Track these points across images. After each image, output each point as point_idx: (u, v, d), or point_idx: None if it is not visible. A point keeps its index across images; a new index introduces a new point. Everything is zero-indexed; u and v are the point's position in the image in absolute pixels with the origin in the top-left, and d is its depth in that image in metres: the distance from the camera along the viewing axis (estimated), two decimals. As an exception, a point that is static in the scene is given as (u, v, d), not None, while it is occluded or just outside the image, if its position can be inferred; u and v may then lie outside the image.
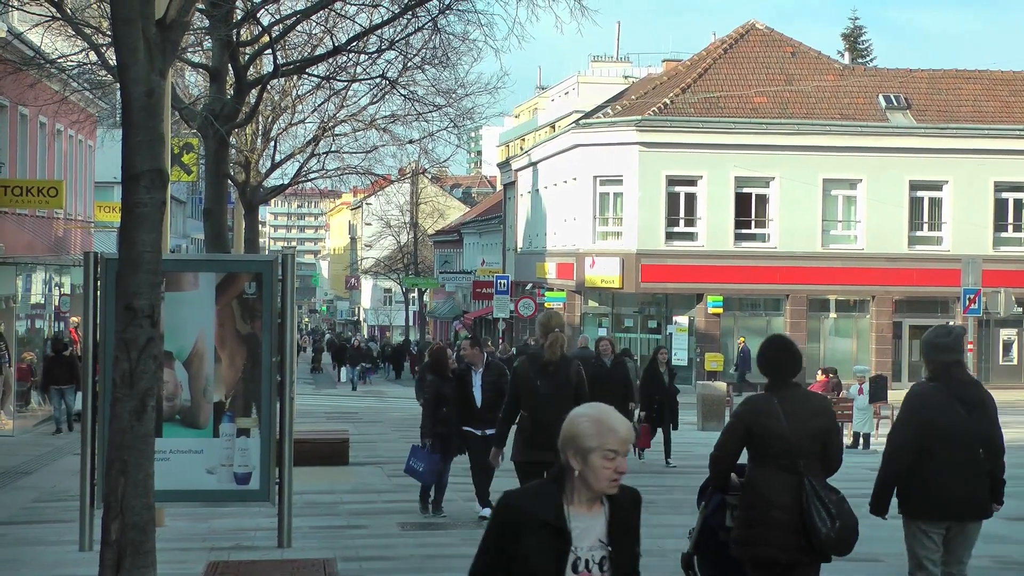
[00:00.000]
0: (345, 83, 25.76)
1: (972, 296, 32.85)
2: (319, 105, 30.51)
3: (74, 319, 30.10)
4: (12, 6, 21.25)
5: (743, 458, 6.74)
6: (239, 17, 18.68)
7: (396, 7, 19.38)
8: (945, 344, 7.28)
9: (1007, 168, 39.65)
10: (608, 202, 40.31)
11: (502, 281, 42.95)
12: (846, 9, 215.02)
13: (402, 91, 24.61)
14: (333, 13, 21.80)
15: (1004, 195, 40.09)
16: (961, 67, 44.16)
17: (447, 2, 19.49)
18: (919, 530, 7.18)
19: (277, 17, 20.24)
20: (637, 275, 38.83)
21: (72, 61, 21.81)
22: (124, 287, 7.33)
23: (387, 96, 26.96)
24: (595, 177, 40.12)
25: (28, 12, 20.65)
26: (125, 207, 7.39)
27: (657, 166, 38.89)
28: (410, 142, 31.00)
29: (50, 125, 30.13)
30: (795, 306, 39.38)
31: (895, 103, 40.65)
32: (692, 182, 39.18)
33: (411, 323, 72.53)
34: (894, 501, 7.39)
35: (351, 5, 20.86)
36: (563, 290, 42.03)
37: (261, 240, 39.25)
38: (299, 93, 30.18)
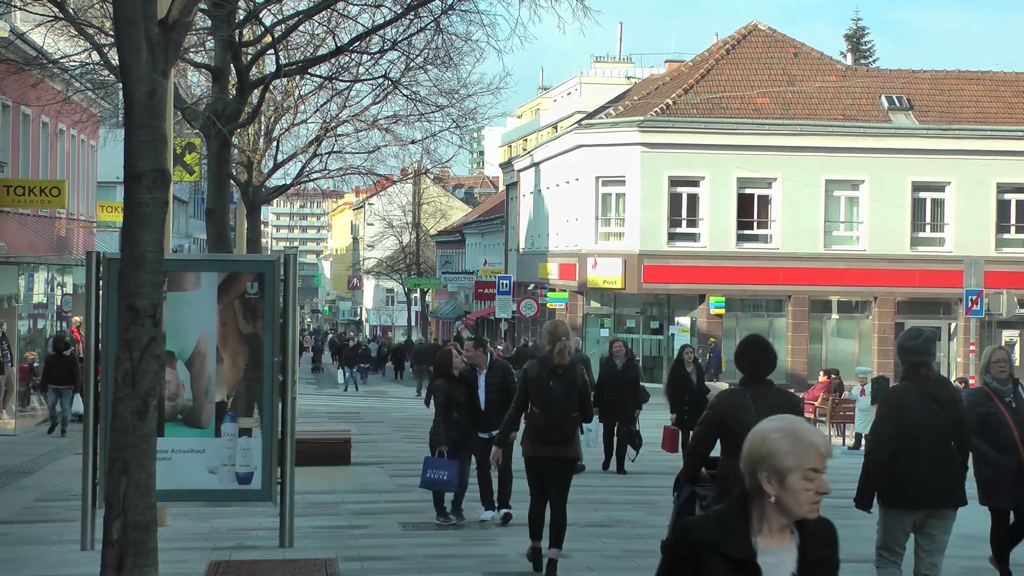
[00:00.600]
0: (347, 83, 25.76)
1: (974, 297, 32.84)
2: (321, 105, 30.51)
3: (76, 319, 30.10)
4: (15, 6, 21.26)
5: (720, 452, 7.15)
6: (241, 17, 18.69)
7: (398, 7, 19.37)
8: (913, 347, 7.74)
9: (1009, 169, 39.62)
10: (610, 203, 40.30)
11: (504, 281, 42.94)
12: (849, 10, 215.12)
13: (404, 91, 24.61)
14: (335, 13, 21.78)
15: (1006, 196, 40.05)
16: (964, 68, 44.13)
17: (449, 2, 19.47)
18: (895, 518, 7.63)
19: (279, 17, 20.22)
20: (639, 276, 38.82)
21: (74, 61, 21.82)
22: (126, 287, 7.33)
23: (389, 96, 26.97)
24: (597, 177, 40.12)
25: (31, 12, 20.66)
26: (127, 207, 7.40)
27: (659, 167, 38.88)
28: (412, 142, 31.02)
29: (52, 125, 30.16)
30: (797, 307, 39.37)
31: (897, 104, 40.63)
32: (694, 183, 39.17)
33: (413, 323, 72.55)
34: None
35: (353, 5, 20.88)
36: (565, 291, 42.03)
37: (263, 240, 39.29)
38: (301, 93, 30.18)
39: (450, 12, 19.79)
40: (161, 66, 7.40)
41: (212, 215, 19.62)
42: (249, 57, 20.06)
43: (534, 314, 41.89)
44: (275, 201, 69.61)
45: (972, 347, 37.15)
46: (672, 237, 39.11)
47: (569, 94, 67.58)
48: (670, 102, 39.76)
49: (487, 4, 44.65)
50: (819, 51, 43.76)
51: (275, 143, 31.53)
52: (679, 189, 39.19)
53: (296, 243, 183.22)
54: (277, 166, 31.63)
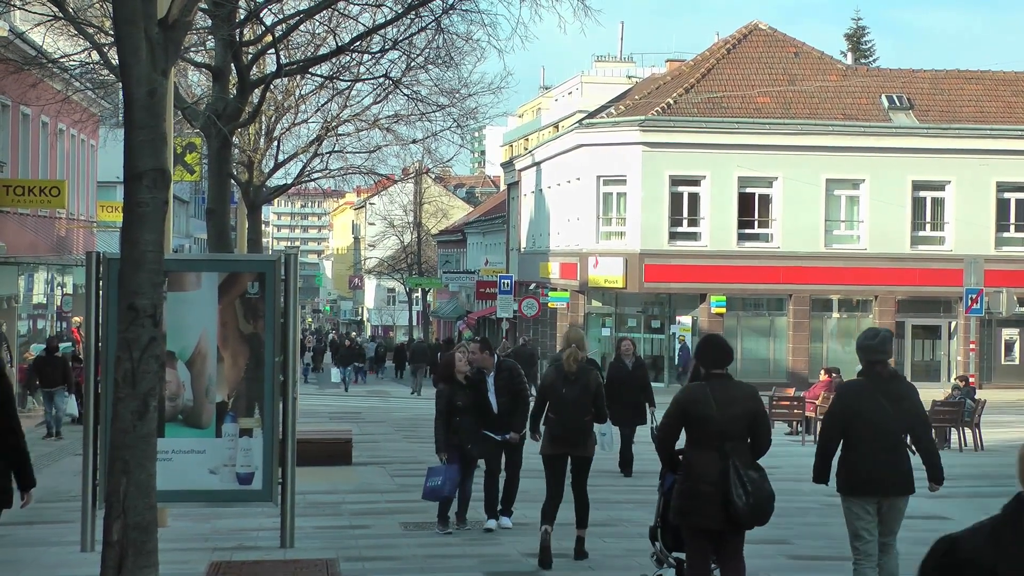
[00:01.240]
0: (348, 83, 25.74)
1: (974, 296, 32.83)
2: (322, 105, 30.49)
3: (76, 319, 30.11)
4: (14, 5, 21.26)
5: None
6: (242, 17, 18.68)
7: (399, 7, 19.36)
8: (871, 346, 8.16)
9: (1009, 168, 39.61)
10: (611, 202, 40.30)
11: (505, 281, 42.92)
12: (849, 9, 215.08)
13: (405, 91, 24.59)
14: (336, 13, 21.77)
15: (1006, 195, 40.05)
16: (964, 67, 44.13)
17: (450, 2, 19.46)
18: (854, 505, 8.12)
19: (280, 17, 20.21)
20: (640, 275, 38.81)
21: (74, 60, 21.81)
22: (126, 287, 7.32)
23: (390, 96, 26.95)
24: (598, 177, 40.11)
25: (30, 11, 20.65)
26: (127, 207, 7.39)
27: (660, 166, 38.88)
28: (413, 142, 31.00)
29: (52, 125, 30.15)
30: (798, 306, 39.37)
31: (898, 103, 40.62)
32: (695, 182, 39.16)
33: (415, 323, 72.54)
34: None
35: (354, 5, 20.86)
36: (566, 290, 42.01)
37: (264, 240, 39.28)
38: (302, 93, 30.16)
39: (451, 12, 19.79)
40: (161, 65, 7.39)
41: (213, 215, 19.62)
42: (250, 56, 20.05)
43: (535, 313, 41.86)
44: (276, 201, 69.69)
45: (972, 345, 37.14)
46: (673, 236, 39.11)
47: (570, 93, 67.57)
48: (671, 101, 39.75)
49: (488, 3, 44.75)
50: (819, 51, 43.75)
51: (276, 143, 31.52)
52: (680, 188, 39.18)
53: (297, 243, 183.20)
54: (278, 166, 31.62)
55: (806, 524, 12.76)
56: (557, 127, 61.51)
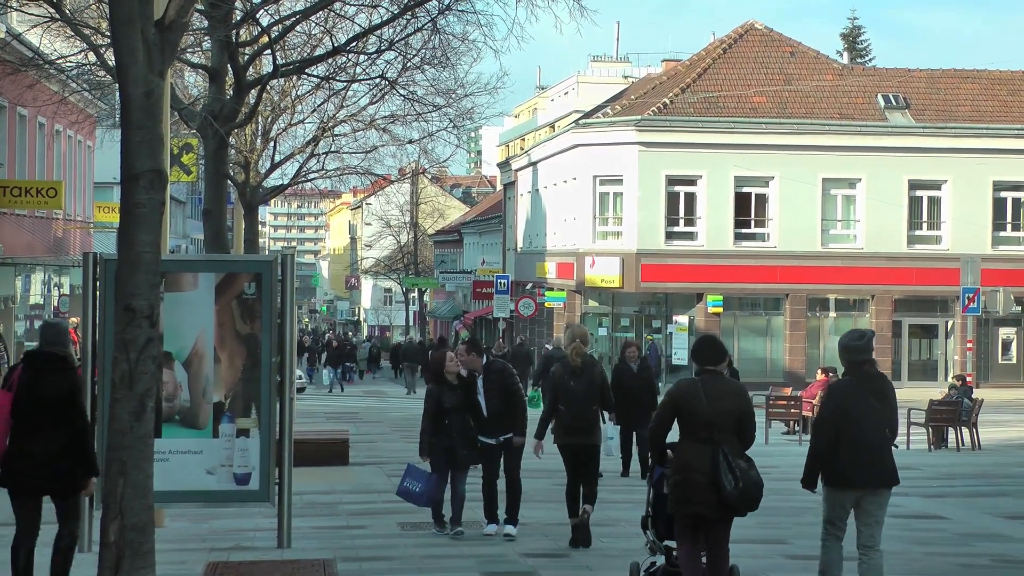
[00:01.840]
0: (344, 83, 25.73)
1: (971, 295, 32.89)
2: (319, 105, 30.50)
3: (73, 320, 30.06)
4: (11, 7, 21.26)
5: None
6: (238, 18, 18.67)
7: (395, 7, 19.37)
8: (857, 346, 8.51)
9: (1006, 167, 39.65)
10: (608, 202, 40.30)
11: (502, 281, 42.93)
12: (845, 9, 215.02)
13: (402, 91, 24.60)
14: (332, 13, 21.77)
15: (1003, 194, 40.09)
16: (960, 67, 44.22)
17: (446, 2, 19.47)
18: (837, 496, 8.43)
19: (276, 17, 20.22)
20: (637, 275, 38.83)
21: (71, 62, 21.81)
22: (123, 288, 7.33)
23: (387, 96, 26.95)
24: (595, 177, 40.12)
25: (27, 13, 20.67)
26: (124, 208, 7.39)
27: (657, 166, 38.89)
28: (410, 142, 31.02)
29: (49, 126, 30.13)
30: (795, 305, 39.39)
31: (894, 103, 40.66)
32: (692, 182, 39.18)
33: (411, 323, 72.52)
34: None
35: (350, 5, 20.85)
36: (563, 290, 42.02)
37: (261, 240, 39.24)
38: (298, 93, 30.15)
39: (447, 12, 19.81)
40: (158, 67, 7.39)
41: (209, 215, 19.62)
42: (246, 57, 20.07)
43: (532, 313, 41.88)
44: (272, 201, 69.81)
45: (969, 345, 37.21)
46: (670, 236, 39.12)
47: (566, 93, 67.55)
48: (667, 101, 39.77)
49: (484, 4, 44.85)
50: (815, 50, 43.77)
51: (272, 143, 31.52)
52: (676, 188, 39.20)
53: (294, 243, 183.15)
54: (274, 166, 31.62)
55: (803, 524, 12.76)
56: (553, 127, 61.50)
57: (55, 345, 8.38)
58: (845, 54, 58.36)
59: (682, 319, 39.51)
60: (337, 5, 20.15)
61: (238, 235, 28.74)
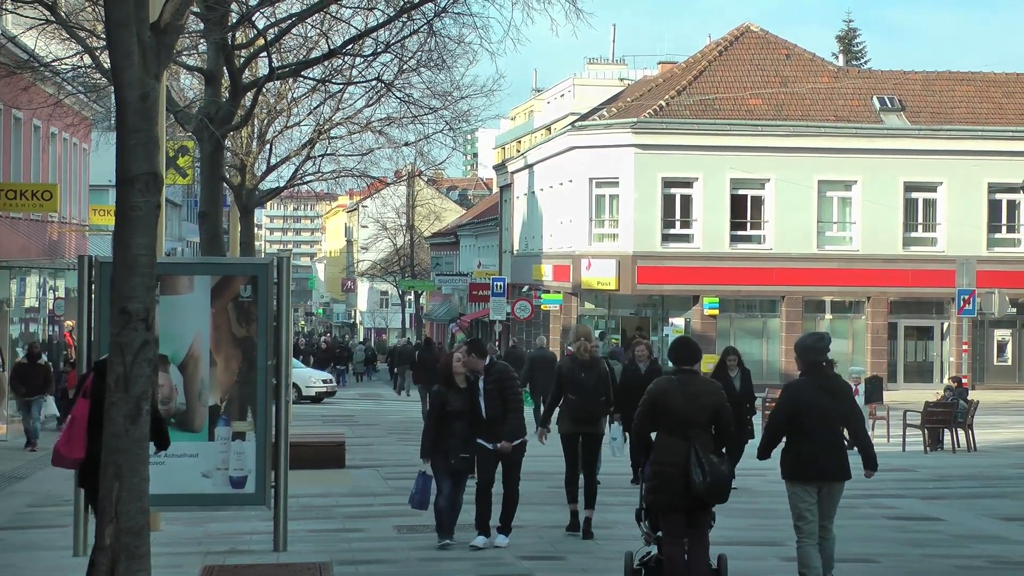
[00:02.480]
0: (341, 86, 25.73)
1: (966, 297, 32.86)
2: (315, 108, 30.50)
3: (68, 323, 30.05)
4: (6, 9, 21.25)
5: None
6: (234, 20, 18.67)
7: (391, 10, 19.37)
8: (819, 347, 9.22)
9: (1001, 169, 39.68)
10: (604, 204, 40.31)
11: (498, 283, 42.88)
12: (840, 11, 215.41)
13: (398, 94, 24.60)
14: (328, 16, 21.76)
15: (998, 196, 40.12)
16: (955, 69, 44.26)
17: (442, 5, 19.49)
18: (799, 490, 9.01)
19: (272, 20, 20.22)
20: (633, 277, 38.84)
21: (66, 64, 21.80)
22: (119, 291, 7.31)
23: (383, 99, 27.01)
24: (591, 179, 40.12)
25: (22, 15, 20.63)
26: (120, 210, 7.38)
27: (653, 168, 38.91)
28: (406, 144, 31.07)
29: (44, 128, 30.10)
30: (791, 307, 39.42)
31: (889, 105, 40.69)
32: (688, 184, 39.20)
33: (407, 326, 72.49)
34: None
35: (346, 8, 20.87)
36: (559, 292, 41.99)
37: (257, 243, 39.27)
38: (294, 96, 30.16)
39: (443, 15, 19.82)
40: (153, 69, 7.38)
41: (205, 218, 19.62)
42: (242, 60, 20.07)
43: (528, 316, 41.84)
44: (268, 204, 69.61)
45: (964, 346, 37.21)
46: (666, 238, 39.14)
47: (562, 96, 67.59)
48: (663, 103, 39.80)
49: (480, 7, 44.66)
50: (811, 52, 43.80)
51: (268, 146, 31.52)
52: (672, 190, 39.21)
53: (290, 246, 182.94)
54: (270, 169, 31.62)
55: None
56: (549, 129, 61.53)
57: None
58: (841, 56, 58.45)
59: (678, 321, 39.51)
60: (333, 8, 20.14)
61: (234, 238, 28.72)
